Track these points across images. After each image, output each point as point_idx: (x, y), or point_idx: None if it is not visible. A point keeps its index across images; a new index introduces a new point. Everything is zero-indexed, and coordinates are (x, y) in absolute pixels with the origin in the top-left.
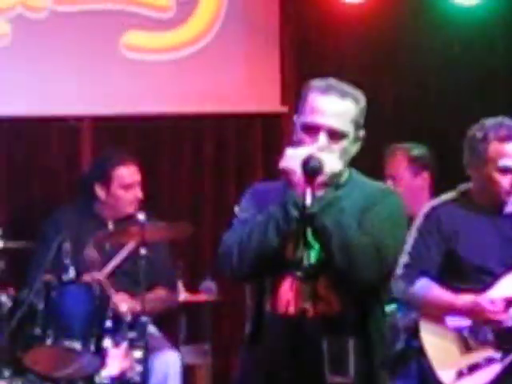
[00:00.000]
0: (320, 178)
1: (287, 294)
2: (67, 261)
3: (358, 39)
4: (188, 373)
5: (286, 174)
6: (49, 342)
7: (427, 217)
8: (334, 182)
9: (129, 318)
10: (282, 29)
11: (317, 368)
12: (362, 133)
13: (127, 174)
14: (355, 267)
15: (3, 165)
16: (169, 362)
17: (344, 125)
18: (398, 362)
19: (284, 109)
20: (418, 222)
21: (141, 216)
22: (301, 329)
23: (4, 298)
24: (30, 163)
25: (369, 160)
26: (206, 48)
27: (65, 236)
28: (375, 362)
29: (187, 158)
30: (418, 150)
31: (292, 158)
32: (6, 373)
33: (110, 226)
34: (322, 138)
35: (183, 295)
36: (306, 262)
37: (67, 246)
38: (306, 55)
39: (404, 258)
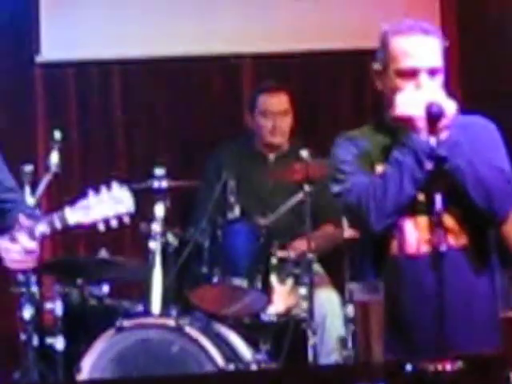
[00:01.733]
0: (443, 122)
1: (416, 234)
2: (232, 199)
3: None
4: (360, 309)
5: (406, 121)
6: (215, 279)
7: None
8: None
9: (294, 255)
10: None
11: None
12: None
13: (267, 100)
14: (493, 201)
15: (167, 104)
16: (330, 300)
17: (438, 60)
18: None
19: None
20: None
21: (304, 153)
22: (435, 266)
23: (170, 237)
24: (193, 102)
25: None
26: None
27: (229, 174)
28: None
29: (347, 93)
30: None
31: (409, 105)
32: (173, 311)
33: (271, 162)
34: (424, 79)
35: (348, 232)
36: (437, 205)
37: (232, 183)
38: None
39: None
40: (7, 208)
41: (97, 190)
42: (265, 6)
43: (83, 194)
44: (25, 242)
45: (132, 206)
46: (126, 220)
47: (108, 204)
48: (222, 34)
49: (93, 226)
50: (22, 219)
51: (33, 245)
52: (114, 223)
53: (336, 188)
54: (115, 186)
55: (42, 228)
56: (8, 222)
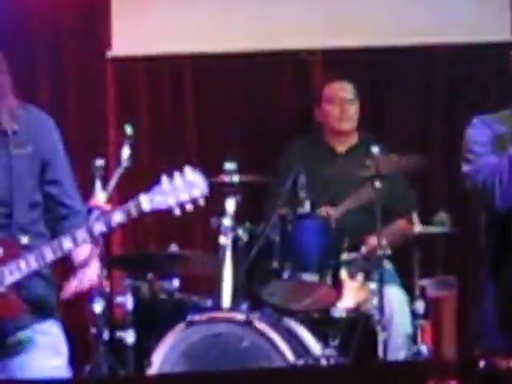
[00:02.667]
0: None
1: None
2: (302, 194)
3: None
4: (433, 305)
5: None
6: (286, 275)
7: None
8: None
9: (365, 250)
10: None
11: None
12: None
13: (333, 88)
14: None
15: (238, 99)
16: (398, 296)
17: None
18: None
19: None
20: None
21: (375, 148)
22: None
23: (241, 232)
24: (263, 98)
25: None
26: None
27: (299, 169)
28: None
29: (417, 91)
30: None
31: None
32: (244, 306)
33: (341, 155)
34: None
35: (418, 227)
36: None
37: (302, 178)
38: None
39: None
40: (63, 214)
41: (170, 176)
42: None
43: (157, 181)
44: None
45: (206, 188)
46: (201, 203)
47: (182, 188)
48: (292, 29)
49: (168, 211)
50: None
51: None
52: (189, 207)
53: (465, 168)
54: (188, 170)
55: (117, 217)
56: (60, 230)
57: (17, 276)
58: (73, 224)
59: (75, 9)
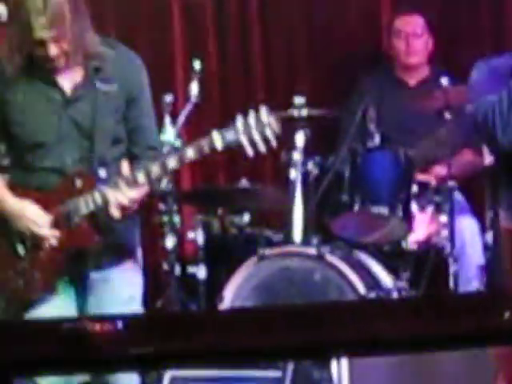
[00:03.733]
0: None
1: None
2: (372, 127)
3: None
4: (505, 235)
5: None
6: (356, 208)
7: None
8: None
9: (434, 182)
10: None
11: None
12: None
13: (401, 21)
14: None
15: (306, 31)
16: (470, 227)
17: None
18: None
19: None
20: None
21: (444, 80)
22: None
23: (310, 166)
24: (331, 29)
25: None
26: None
27: (369, 102)
28: None
29: (488, 17)
30: None
31: None
32: (314, 240)
33: (412, 88)
34: None
35: (488, 159)
36: None
37: (372, 111)
38: None
39: None
40: (143, 148)
41: (245, 115)
42: None
43: (231, 119)
44: (128, 192)
45: (278, 130)
46: (274, 144)
47: (255, 128)
48: None
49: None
50: (125, 168)
51: (133, 193)
52: (261, 147)
53: (468, 108)
54: (263, 110)
55: (190, 153)
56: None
57: (91, 208)
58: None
59: None
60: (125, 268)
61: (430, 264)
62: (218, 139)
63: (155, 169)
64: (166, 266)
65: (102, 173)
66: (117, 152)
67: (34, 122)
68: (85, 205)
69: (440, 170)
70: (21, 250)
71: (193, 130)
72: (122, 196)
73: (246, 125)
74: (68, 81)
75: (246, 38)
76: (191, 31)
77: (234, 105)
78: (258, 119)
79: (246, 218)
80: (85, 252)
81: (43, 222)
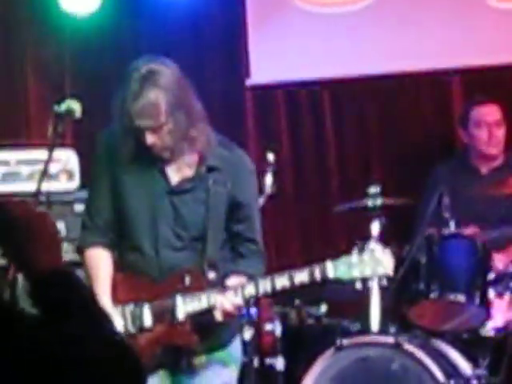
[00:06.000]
0: None
1: None
2: (447, 214)
3: None
4: None
5: None
6: (433, 295)
7: None
8: None
9: (511, 268)
10: None
11: None
12: None
13: (481, 111)
14: None
15: (378, 122)
16: None
17: None
18: None
19: None
20: None
21: None
22: None
23: None
24: (404, 119)
25: None
26: None
27: (443, 189)
28: None
29: None
30: None
31: None
32: (392, 328)
33: (485, 175)
34: None
35: None
36: None
37: (446, 199)
38: None
39: None
40: (250, 249)
41: (361, 249)
42: (471, 20)
43: (348, 251)
44: (233, 299)
45: (391, 268)
46: (384, 282)
47: (369, 263)
48: (430, 49)
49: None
50: (232, 281)
51: (239, 301)
52: (371, 283)
53: None
54: (377, 247)
55: (302, 277)
56: (241, 266)
57: (195, 307)
58: (250, 265)
59: (214, 38)
60: (220, 359)
61: (509, 350)
62: (330, 268)
63: (264, 285)
64: (244, 358)
65: (211, 275)
66: (224, 254)
67: (136, 204)
68: (191, 304)
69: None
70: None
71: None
72: (228, 303)
73: (360, 259)
74: (175, 172)
75: (320, 128)
76: (264, 124)
77: (308, 196)
78: (372, 255)
79: (323, 308)
80: (181, 350)
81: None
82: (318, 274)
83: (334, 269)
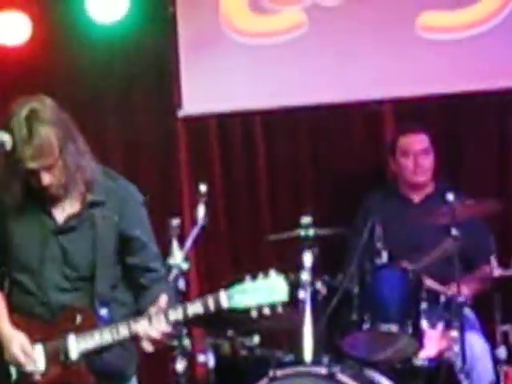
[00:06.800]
0: None
1: None
2: (379, 244)
3: None
4: None
5: None
6: (365, 326)
7: None
8: None
9: (444, 298)
10: None
11: None
12: None
13: (407, 140)
14: None
15: (309, 153)
16: (480, 343)
17: None
18: None
19: None
20: None
21: (450, 196)
22: None
23: (319, 286)
24: (335, 149)
25: None
26: (499, 26)
27: (375, 220)
28: None
29: (492, 135)
30: None
31: None
32: (325, 359)
33: (416, 205)
34: None
35: (497, 271)
36: None
37: (379, 229)
38: None
39: None
40: (151, 279)
41: (254, 276)
42: (401, 50)
43: (239, 280)
44: (161, 326)
45: (286, 296)
46: (279, 309)
47: (263, 291)
48: (361, 80)
49: (245, 312)
50: (162, 302)
51: (168, 329)
52: (266, 311)
53: None
54: (272, 273)
55: (195, 309)
56: (144, 299)
57: (89, 346)
58: (155, 294)
59: (146, 70)
60: None
61: (441, 380)
62: (224, 299)
63: (158, 319)
64: None
65: (103, 311)
66: (116, 286)
67: (21, 245)
68: (83, 343)
69: (451, 287)
70: (14, 374)
71: (200, 253)
72: (154, 331)
73: (254, 287)
74: (62, 211)
75: (252, 158)
76: (196, 154)
77: (240, 227)
78: (266, 282)
79: (256, 339)
80: None
81: (28, 358)
82: (211, 305)
83: (227, 299)
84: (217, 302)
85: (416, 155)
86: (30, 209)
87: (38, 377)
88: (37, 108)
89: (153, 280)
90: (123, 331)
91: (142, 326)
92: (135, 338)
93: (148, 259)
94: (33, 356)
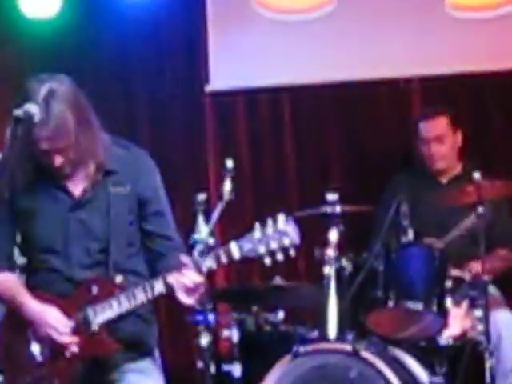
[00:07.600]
0: None
1: None
2: (405, 222)
3: None
4: None
5: None
6: (390, 303)
7: None
8: None
9: (469, 277)
10: None
11: None
12: None
13: (421, 128)
14: None
15: (337, 129)
16: (506, 321)
17: None
18: None
19: None
20: None
21: (476, 174)
22: None
23: (345, 262)
24: (363, 127)
25: None
26: None
27: (402, 197)
28: None
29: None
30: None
31: None
32: (349, 336)
33: (444, 185)
34: None
35: None
36: None
37: (405, 207)
38: None
39: None
40: (165, 247)
41: (263, 223)
42: (431, 27)
43: (250, 229)
44: (192, 275)
45: (297, 238)
46: (292, 253)
47: (273, 237)
48: (390, 57)
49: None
50: (185, 259)
51: (200, 278)
52: (279, 256)
53: None
54: (281, 218)
55: (208, 263)
56: (160, 267)
57: (109, 315)
58: (171, 264)
59: (175, 44)
60: (142, 368)
61: (465, 359)
62: (235, 250)
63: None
64: (200, 365)
65: (119, 279)
66: (131, 254)
67: (43, 226)
68: (101, 312)
69: (475, 265)
70: (40, 355)
71: (226, 228)
72: (187, 279)
73: (264, 234)
74: (77, 185)
75: (280, 134)
76: (223, 130)
77: (266, 202)
78: (275, 228)
79: (281, 315)
80: (103, 360)
81: (65, 329)
82: (223, 258)
83: (239, 249)
84: (228, 254)
85: (429, 143)
86: (43, 187)
87: (74, 349)
88: (55, 88)
89: (169, 248)
90: (140, 296)
91: (174, 278)
92: (171, 291)
93: (163, 227)
94: (70, 326)
